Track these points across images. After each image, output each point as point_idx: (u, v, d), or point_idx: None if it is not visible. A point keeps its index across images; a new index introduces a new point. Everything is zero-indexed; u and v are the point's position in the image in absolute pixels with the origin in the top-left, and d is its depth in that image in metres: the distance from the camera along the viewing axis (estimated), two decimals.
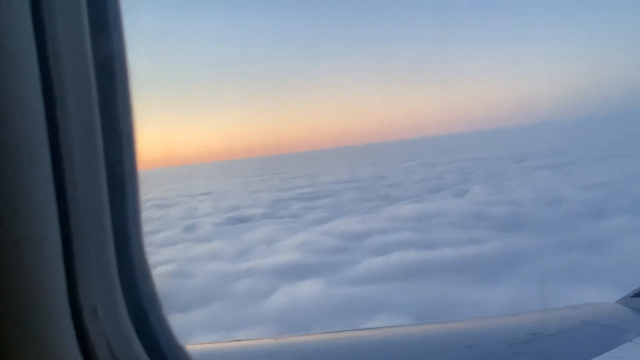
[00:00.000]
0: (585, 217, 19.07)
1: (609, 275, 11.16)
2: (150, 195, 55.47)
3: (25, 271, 0.80)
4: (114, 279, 0.94)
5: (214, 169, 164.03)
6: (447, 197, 29.82)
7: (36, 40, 0.79)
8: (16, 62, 0.76)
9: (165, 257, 21.22)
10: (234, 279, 15.24)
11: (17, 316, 0.80)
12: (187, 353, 1.15)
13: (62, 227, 0.84)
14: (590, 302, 5.32)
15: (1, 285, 0.78)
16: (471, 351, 3.31)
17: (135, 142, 0.96)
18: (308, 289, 13.37)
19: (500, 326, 4.19)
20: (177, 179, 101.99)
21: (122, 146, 0.95)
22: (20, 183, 0.78)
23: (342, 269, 14.80)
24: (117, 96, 0.93)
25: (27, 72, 0.78)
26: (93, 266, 0.90)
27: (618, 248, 14.49)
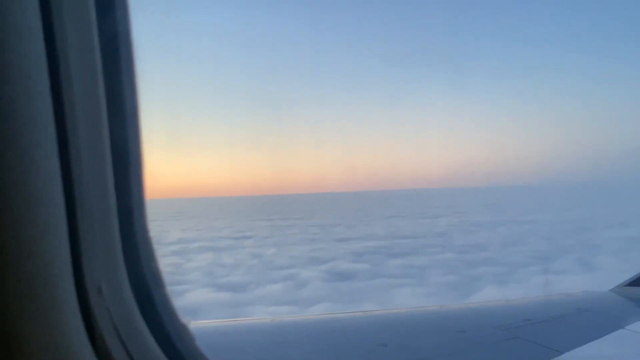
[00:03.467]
0: None
1: None
2: (179, 233, 52.90)
3: (31, 250, 0.82)
4: (118, 258, 0.98)
5: (205, 205, 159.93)
6: (576, 269, 28.45)
7: (45, 43, 0.82)
8: (25, 61, 0.79)
9: None
10: None
11: (24, 294, 0.83)
12: (190, 331, 1.16)
13: (67, 206, 0.87)
14: (584, 290, 5.57)
15: (8, 264, 0.81)
16: (464, 336, 3.36)
17: (140, 121, 0.99)
18: None
19: (494, 311, 4.27)
20: (176, 214, 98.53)
21: (126, 125, 0.97)
22: (25, 162, 0.80)
23: None
24: (121, 76, 0.96)
25: (35, 62, 0.81)
26: (98, 245, 0.94)
27: None
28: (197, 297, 23.87)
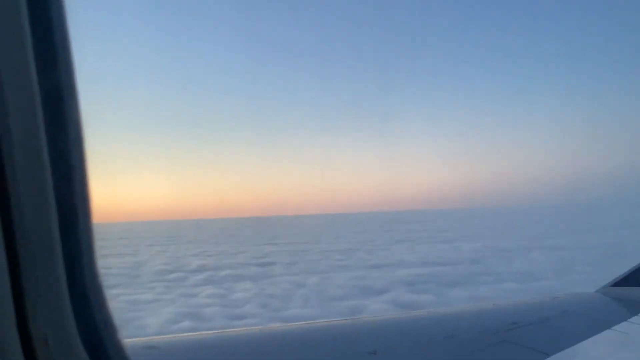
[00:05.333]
0: None
1: None
2: (195, 260, 51.02)
3: None
4: (66, 306, 0.94)
5: (187, 228, 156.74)
6: None
7: None
8: None
9: None
10: None
11: None
12: None
13: (8, 253, 0.83)
14: (571, 292, 5.56)
15: None
16: (453, 340, 3.41)
17: (86, 160, 0.95)
18: None
19: (481, 315, 4.28)
20: (168, 238, 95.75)
21: (71, 165, 0.93)
22: None
23: None
24: (63, 110, 0.92)
25: None
26: (43, 293, 0.89)
27: None
28: None
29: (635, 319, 4.45)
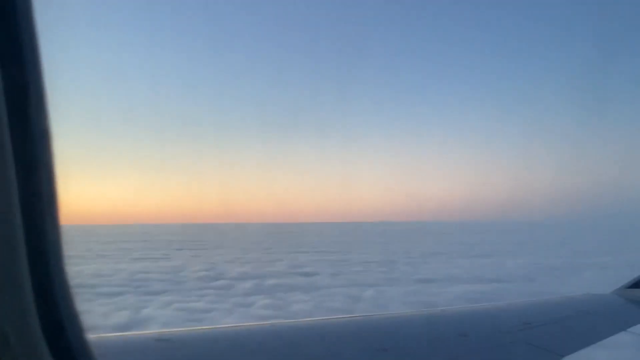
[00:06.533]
0: None
1: None
2: (231, 267, 50.07)
3: None
4: (28, 301, 0.90)
5: (191, 232, 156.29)
6: None
7: None
8: None
9: None
10: None
11: None
12: None
13: None
14: (586, 293, 5.62)
15: None
16: (465, 339, 3.42)
17: (52, 143, 0.92)
18: None
19: (495, 315, 4.36)
20: (186, 241, 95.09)
21: (36, 158, 0.89)
22: None
23: None
24: (28, 90, 0.89)
25: None
26: (4, 289, 0.86)
27: None
28: None
29: None
